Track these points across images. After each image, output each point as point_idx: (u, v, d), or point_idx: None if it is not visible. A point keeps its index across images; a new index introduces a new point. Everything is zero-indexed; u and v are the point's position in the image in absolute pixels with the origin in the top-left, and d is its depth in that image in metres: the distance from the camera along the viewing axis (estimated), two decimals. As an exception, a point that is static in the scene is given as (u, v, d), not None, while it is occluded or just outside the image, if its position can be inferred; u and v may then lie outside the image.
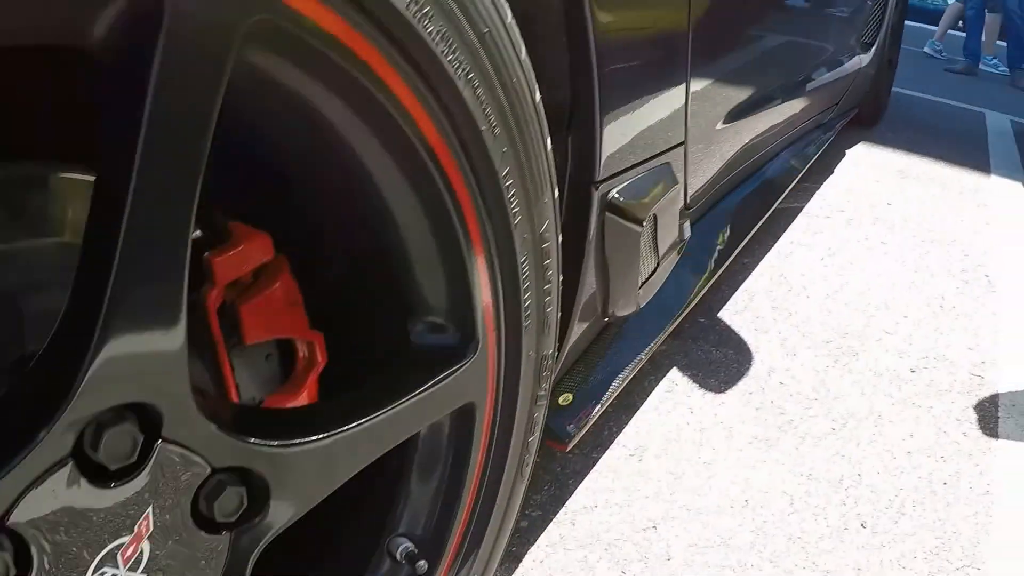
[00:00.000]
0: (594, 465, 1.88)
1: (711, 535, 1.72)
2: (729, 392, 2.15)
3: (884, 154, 4.39)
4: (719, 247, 2.24)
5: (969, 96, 6.32)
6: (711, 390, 2.15)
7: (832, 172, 3.96)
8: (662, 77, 1.45)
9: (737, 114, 2.07)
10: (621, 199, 1.36)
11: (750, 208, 2.54)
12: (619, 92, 1.26)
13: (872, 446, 2.02)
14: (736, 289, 2.67)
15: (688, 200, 1.84)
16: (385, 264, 0.90)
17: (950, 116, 5.59)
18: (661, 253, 1.74)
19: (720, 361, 2.28)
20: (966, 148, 4.78)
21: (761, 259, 2.90)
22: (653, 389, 2.13)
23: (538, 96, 0.95)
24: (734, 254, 2.28)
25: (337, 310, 0.97)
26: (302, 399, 0.91)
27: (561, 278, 1.16)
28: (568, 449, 1.59)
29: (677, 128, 1.59)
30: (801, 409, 2.12)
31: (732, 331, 2.42)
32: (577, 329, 1.49)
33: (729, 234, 2.33)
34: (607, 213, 1.33)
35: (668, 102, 1.51)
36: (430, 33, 0.72)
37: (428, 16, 0.71)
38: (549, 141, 1.00)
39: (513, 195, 0.92)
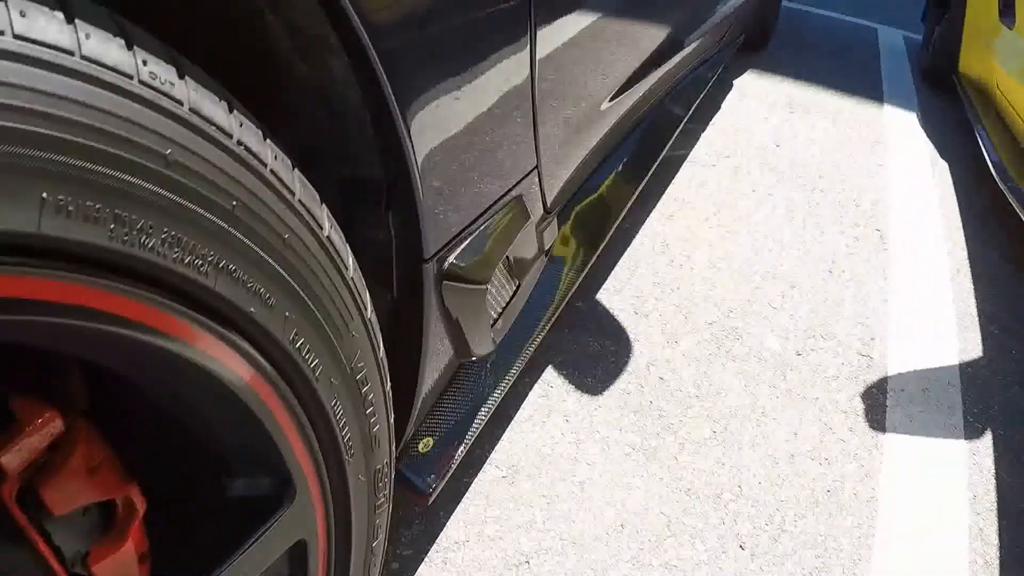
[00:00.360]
0: (466, 492, 1.76)
1: (585, 568, 1.62)
2: (607, 393, 2.04)
3: (772, 83, 4.27)
4: (592, 231, 2.11)
5: (861, 9, 6.18)
6: (588, 391, 2.04)
7: (719, 108, 3.84)
8: (500, 116, 1.29)
9: (606, 101, 1.92)
10: (461, 264, 1.21)
11: (628, 173, 2.39)
12: (443, 154, 1.10)
13: (754, 450, 1.94)
14: (617, 261, 2.55)
15: (549, 205, 1.70)
16: (189, 428, 0.82)
17: (841, 33, 5.46)
18: (519, 275, 1.61)
19: (598, 354, 2.16)
20: (858, 71, 4.68)
21: (644, 222, 2.78)
22: (528, 394, 2.01)
23: (327, 231, 0.80)
24: (610, 232, 2.15)
25: (153, 465, 0.87)
26: (128, 547, 0.82)
27: (389, 387, 1.03)
28: (431, 502, 1.48)
29: (526, 158, 1.44)
30: (681, 409, 2.02)
31: (611, 316, 2.30)
32: (427, 387, 1.36)
33: (604, 211, 2.20)
34: (445, 281, 1.19)
35: (511, 139, 1.35)
36: (151, 248, 0.57)
37: (145, 231, 0.56)
38: (351, 267, 0.86)
39: (308, 351, 0.79)
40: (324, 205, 0.81)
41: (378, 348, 0.96)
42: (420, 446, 1.49)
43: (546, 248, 1.76)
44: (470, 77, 1.15)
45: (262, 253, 0.68)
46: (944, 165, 3.63)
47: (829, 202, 3.11)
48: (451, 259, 1.19)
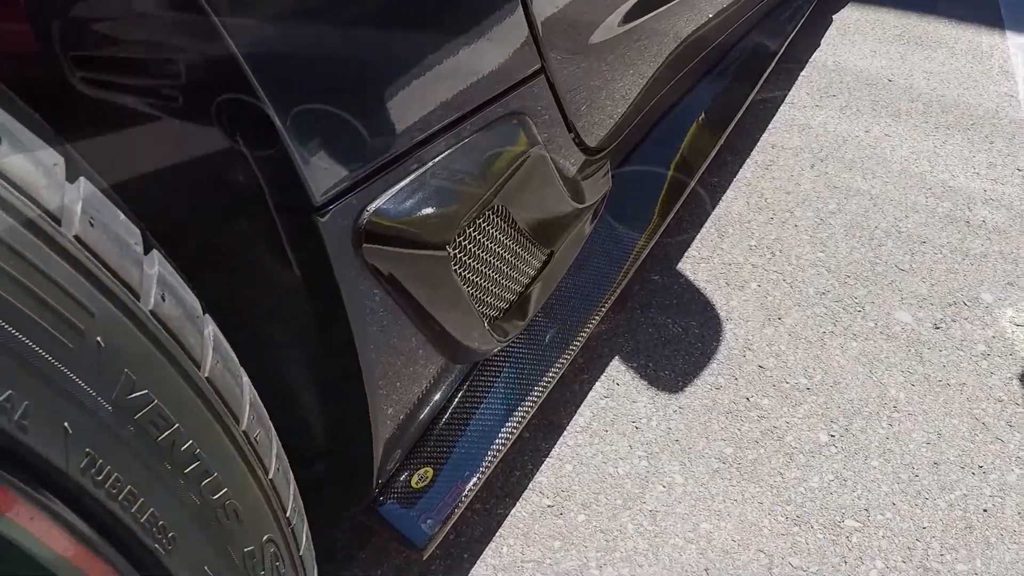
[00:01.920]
0: (499, 527, 1.34)
1: (661, 638, 1.18)
2: (689, 389, 1.58)
3: (878, 15, 3.73)
4: (664, 184, 1.66)
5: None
6: (664, 388, 1.58)
7: (818, 46, 3.32)
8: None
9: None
10: (393, 217, 0.77)
11: (710, 117, 1.94)
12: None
13: (885, 461, 1.46)
14: (704, 222, 2.08)
15: (589, 143, 1.25)
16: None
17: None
18: (548, 239, 1.17)
19: (679, 339, 1.70)
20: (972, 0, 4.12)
21: (735, 175, 2.30)
22: (586, 395, 1.56)
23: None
24: (690, 186, 1.70)
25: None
26: None
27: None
28: (426, 556, 1.06)
29: (517, 52, 0.99)
30: (788, 408, 1.55)
31: (696, 290, 1.83)
32: (392, 403, 0.93)
33: (681, 161, 1.75)
34: (368, 246, 0.75)
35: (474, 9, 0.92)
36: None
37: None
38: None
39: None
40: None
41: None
42: (414, 480, 1.08)
43: (594, 202, 1.31)
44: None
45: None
46: (1088, 92, 3.08)
47: (957, 140, 2.59)
48: (373, 209, 0.75)
